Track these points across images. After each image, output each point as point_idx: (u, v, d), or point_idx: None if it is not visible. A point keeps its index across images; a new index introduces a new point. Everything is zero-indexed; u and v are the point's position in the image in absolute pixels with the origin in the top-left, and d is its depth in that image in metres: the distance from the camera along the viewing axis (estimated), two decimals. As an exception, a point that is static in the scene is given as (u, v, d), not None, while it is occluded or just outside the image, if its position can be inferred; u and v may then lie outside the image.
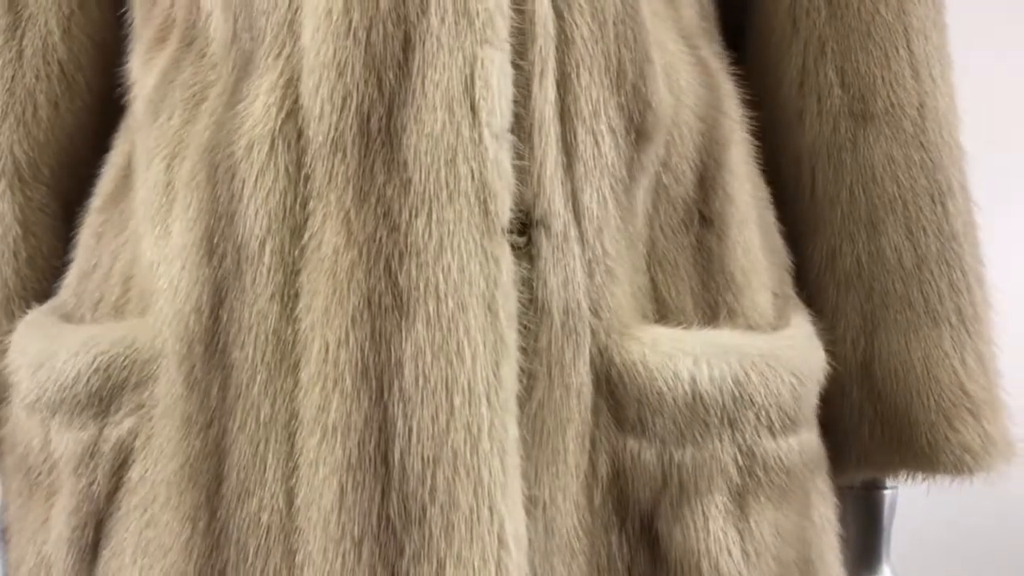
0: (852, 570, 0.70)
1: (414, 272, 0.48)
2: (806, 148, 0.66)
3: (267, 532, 0.49)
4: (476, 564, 0.47)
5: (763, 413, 0.55)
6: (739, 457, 0.54)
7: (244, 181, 0.51)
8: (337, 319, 0.48)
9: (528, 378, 0.51)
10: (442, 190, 0.48)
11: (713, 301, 0.57)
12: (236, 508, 0.50)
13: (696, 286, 0.57)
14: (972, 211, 0.67)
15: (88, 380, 0.54)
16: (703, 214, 0.58)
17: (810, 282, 0.67)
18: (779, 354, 0.56)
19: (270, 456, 0.50)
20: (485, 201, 0.49)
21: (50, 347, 0.57)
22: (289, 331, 0.50)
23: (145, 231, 0.55)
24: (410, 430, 0.48)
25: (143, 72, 0.59)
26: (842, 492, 0.71)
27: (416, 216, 0.48)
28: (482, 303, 0.49)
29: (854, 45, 0.64)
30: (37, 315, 0.61)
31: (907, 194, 0.64)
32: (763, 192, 0.64)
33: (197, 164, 0.53)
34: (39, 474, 0.57)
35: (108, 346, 0.55)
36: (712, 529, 0.54)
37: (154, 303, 0.54)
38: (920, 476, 0.69)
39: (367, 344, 0.48)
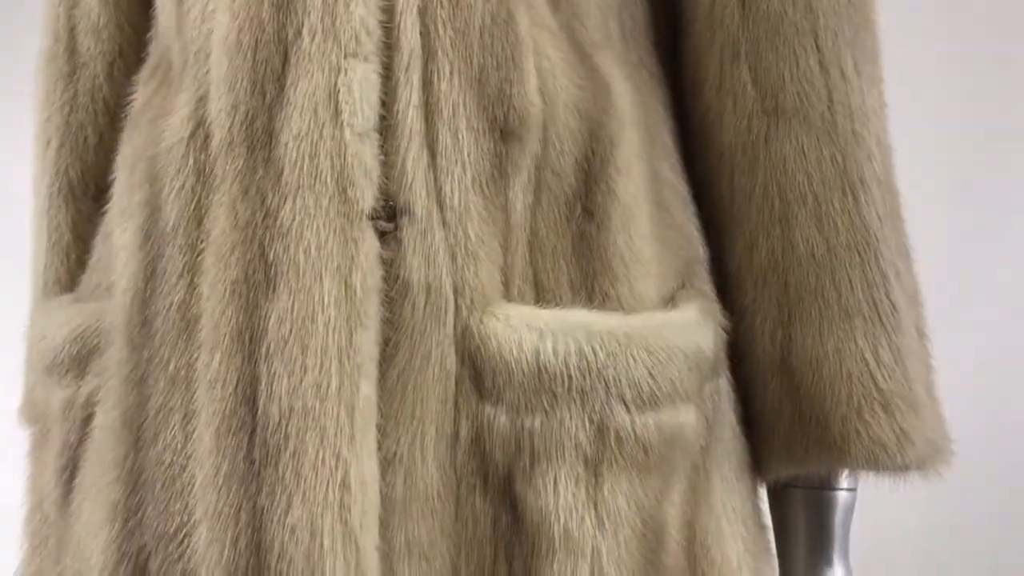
0: (803, 570, 0.70)
1: (280, 250, 0.57)
2: (725, 147, 0.68)
3: (169, 469, 0.59)
4: (319, 502, 0.54)
5: (614, 388, 0.58)
6: (589, 428, 0.58)
7: (165, 180, 0.62)
8: (220, 291, 0.58)
9: (392, 346, 0.58)
10: (305, 180, 0.57)
11: (590, 287, 0.62)
12: (150, 449, 0.60)
13: (575, 273, 0.62)
14: (893, 204, 0.67)
15: (68, 348, 0.67)
16: (586, 207, 0.63)
17: (731, 278, 0.69)
18: (632, 332, 0.59)
19: (175, 406, 0.59)
20: (345, 190, 0.57)
21: (49, 323, 0.70)
22: (192, 302, 0.60)
23: (115, 226, 0.67)
24: (271, 385, 0.56)
25: (139, 97, 0.72)
26: (793, 492, 0.72)
27: (284, 203, 0.57)
28: (337, 278, 0.56)
29: (764, 45, 0.66)
30: (57, 300, 0.74)
31: (817, 187, 0.65)
32: (669, 189, 0.67)
33: (140, 169, 0.64)
34: (44, 426, 0.70)
35: (82, 320, 0.67)
36: (564, 495, 0.58)
37: (116, 285, 0.66)
38: (869, 476, 0.69)
39: (242, 312, 0.57)
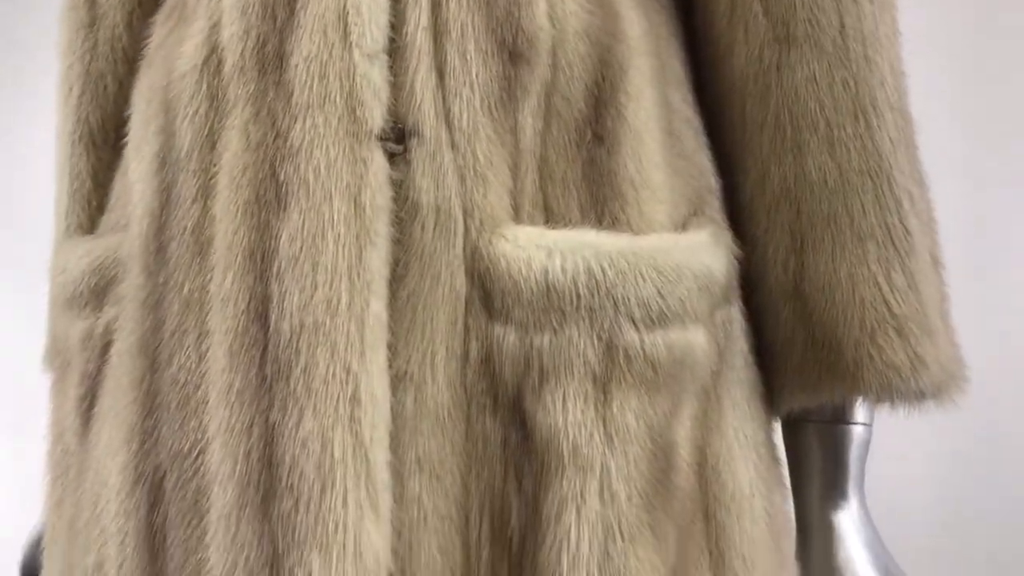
0: (818, 503, 0.70)
1: (290, 170, 0.57)
2: (737, 78, 0.68)
3: (183, 389, 0.60)
4: (330, 415, 0.55)
5: (623, 306, 0.59)
6: (597, 345, 0.58)
7: (179, 107, 0.63)
8: (232, 212, 0.58)
9: (402, 266, 0.59)
10: (314, 101, 0.57)
11: (600, 211, 0.62)
12: (165, 370, 0.61)
13: (584, 198, 0.62)
14: (906, 130, 0.66)
15: (87, 279, 0.68)
16: (596, 133, 0.63)
17: (743, 208, 0.69)
18: (641, 252, 0.60)
19: (189, 327, 0.60)
20: (354, 110, 0.57)
21: (69, 257, 0.71)
22: (205, 225, 0.61)
23: (132, 159, 0.68)
24: (282, 302, 0.56)
25: (155, 37, 0.73)
26: (807, 427, 0.71)
27: (294, 123, 0.58)
28: (347, 196, 0.57)
29: None
30: (79, 239, 0.76)
31: (829, 113, 0.65)
32: (680, 119, 0.67)
33: (156, 100, 0.65)
34: (64, 359, 0.71)
35: (101, 252, 0.69)
36: (572, 412, 0.58)
37: (132, 215, 0.67)
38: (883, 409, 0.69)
39: (253, 232, 0.58)
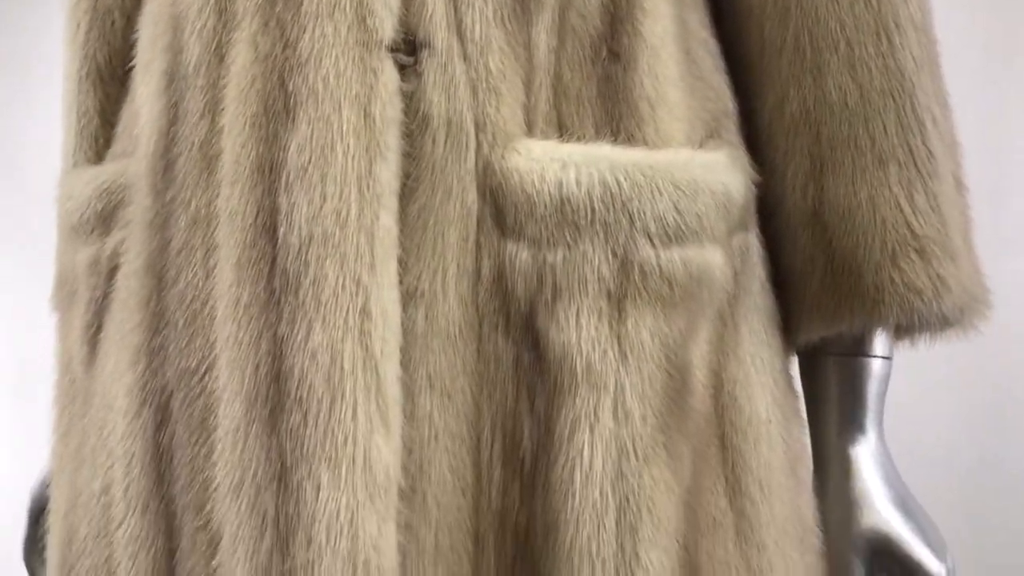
0: (835, 436, 0.69)
1: (299, 81, 0.56)
2: (755, 2, 0.67)
3: (190, 306, 0.59)
4: (339, 327, 0.54)
5: (639, 221, 0.57)
6: (612, 261, 0.57)
7: (186, 23, 0.61)
8: (240, 124, 0.57)
9: (412, 180, 0.57)
10: (324, 9, 0.56)
11: (615, 128, 0.60)
12: (172, 288, 0.60)
13: (599, 115, 0.61)
14: (930, 49, 0.65)
15: (93, 205, 0.67)
16: (612, 49, 0.61)
17: (761, 134, 0.67)
18: (657, 165, 0.58)
19: (196, 243, 0.59)
20: (364, 19, 0.56)
21: (75, 184, 0.70)
22: (213, 140, 0.59)
23: (139, 82, 0.67)
24: (291, 214, 0.55)
25: None
26: (826, 359, 0.70)
27: (303, 33, 0.56)
28: (356, 106, 0.56)
29: None
30: (84, 167, 0.75)
31: (850, 32, 0.63)
32: (697, 41, 0.66)
33: (163, 19, 0.64)
34: (70, 288, 0.71)
35: (107, 177, 0.68)
36: (586, 328, 0.57)
37: (139, 137, 0.65)
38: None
39: (262, 144, 0.57)
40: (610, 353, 0.57)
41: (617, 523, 0.57)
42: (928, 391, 1.48)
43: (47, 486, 0.81)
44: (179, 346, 0.59)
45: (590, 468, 0.56)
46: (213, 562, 0.57)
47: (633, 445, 0.57)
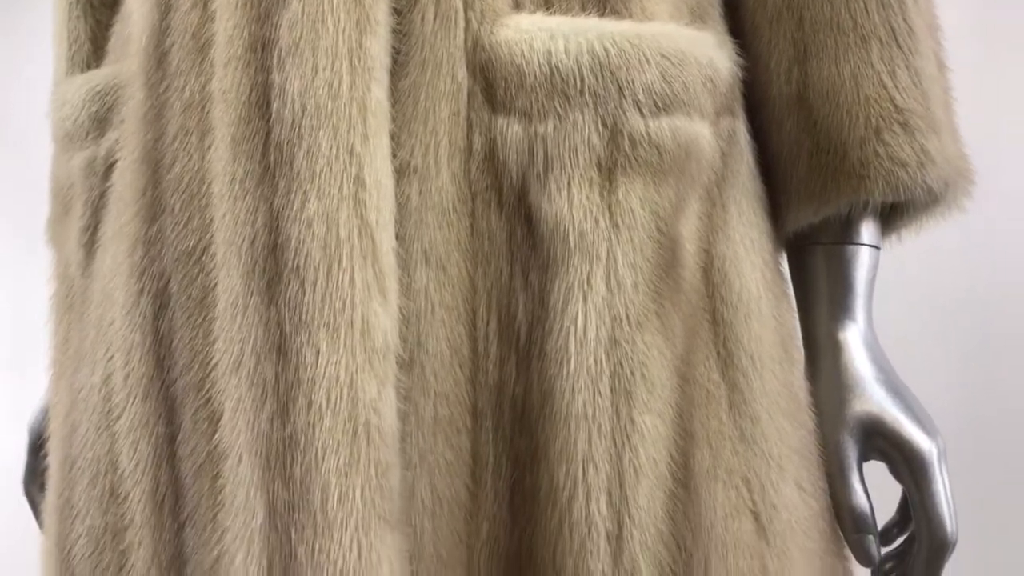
0: (826, 323, 0.70)
1: None
2: None
3: (187, 189, 0.60)
4: (334, 195, 0.55)
5: (628, 90, 0.58)
6: (602, 131, 0.58)
7: None
8: (232, 6, 0.58)
9: (402, 56, 0.58)
10: None
11: (601, 4, 0.61)
12: (167, 174, 0.61)
13: None
14: None
15: (87, 107, 0.68)
16: None
17: (744, 24, 0.68)
18: (644, 35, 0.59)
19: (191, 127, 0.60)
20: None
21: (68, 89, 0.71)
22: (205, 25, 0.60)
23: None
24: (283, 89, 0.56)
25: None
26: (814, 248, 0.71)
27: None
28: None
29: None
30: (77, 75, 0.75)
31: None
32: None
33: None
34: (66, 197, 0.71)
35: (101, 79, 0.68)
36: (578, 198, 0.58)
37: (132, 35, 0.66)
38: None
39: (254, 23, 0.57)
40: (602, 222, 0.58)
41: (612, 388, 0.57)
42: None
43: (46, 414, 0.81)
44: (176, 230, 0.60)
45: (584, 336, 0.57)
46: (214, 438, 0.57)
47: (626, 312, 0.58)
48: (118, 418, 0.62)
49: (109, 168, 0.66)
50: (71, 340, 0.69)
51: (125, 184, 0.63)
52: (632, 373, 0.58)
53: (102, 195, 0.67)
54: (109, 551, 0.62)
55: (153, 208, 0.61)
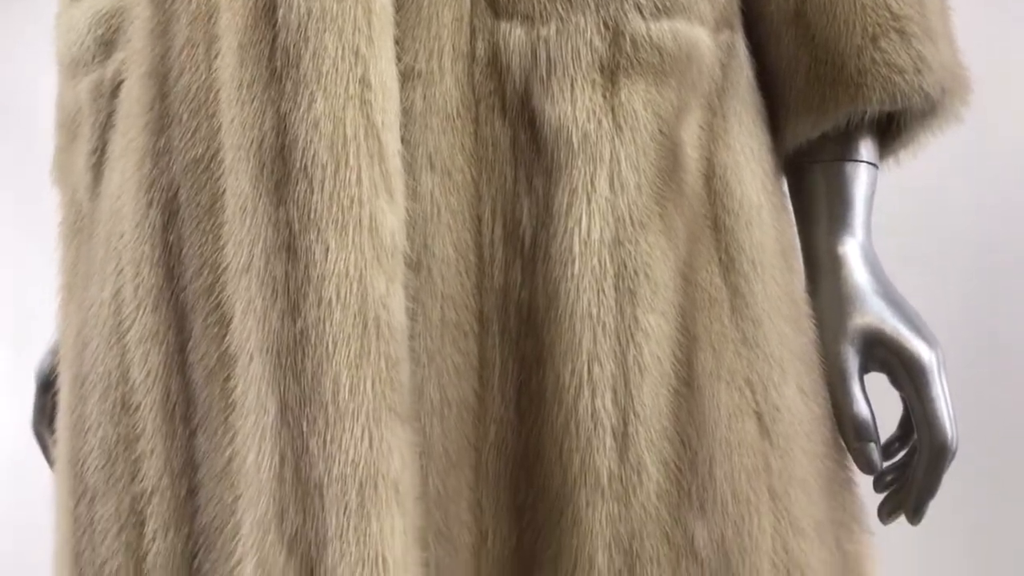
0: (825, 238, 0.71)
1: None
2: None
3: (194, 98, 0.60)
4: (340, 95, 0.55)
5: None
6: (604, 32, 0.59)
7: None
8: None
9: None
10: None
11: None
12: (175, 85, 0.61)
13: None
14: None
15: (93, 31, 0.69)
16: None
17: None
18: None
19: (198, 39, 0.61)
20: None
21: (73, 14, 0.72)
22: None
23: None
24: None
25: None
26: (813, 167, 0.72)
27: None
28: None
29: None
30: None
31: None
32: None
33: None
34: (72, 123, 0.72)
35: (106, 3, 0.69)
36: (581, 99, 0.59)
37: None
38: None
39: None
40: (605, 123, 0.59)
41: (616, 288, 0.58)
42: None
43: (55, 354, 0.82)
44: (184, 140, 0.60)
45: (588, 236, 0.58)
46: (225, 341, 0.58)
47: (629, 213, 0.59)
48: (128, 330, 0.63)
49: (116, 88, 0.67)
50: (80, 263, 0.70)
51: (132, 100, 0.64)
52: (636, 273, 0.59)
53: (109, 115, 0.67)
54: (122, 461, 0.63)
55: (161, 120, 0.62)
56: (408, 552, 0.54)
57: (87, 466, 0.65)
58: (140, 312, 0.62)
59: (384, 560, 0.52)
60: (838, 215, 0.70)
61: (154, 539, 0.61)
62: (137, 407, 0.62)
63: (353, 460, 0.53)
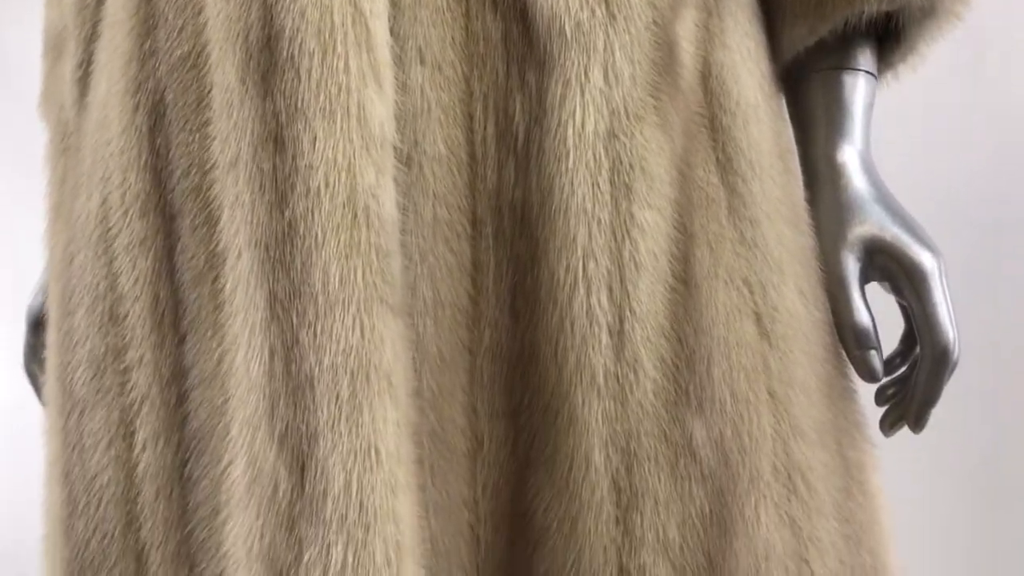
0: (824, 147, 0.70)
1: None
2: None
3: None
4: None
5: None
6: None
7: None
8: None
9: None
10: None
11: None
12: None
13: None
14: None
15: None
16: None
17: None
18: None
19: None
20: None
21: None
22: None
23: None
24: None
25: None
26: (812, 76, 0.71)
27: None
28: None
29: None
30: None
31: None
32: None
33: None
34: (57, 41, 0.71)
35: None
36: None
37: None
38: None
39: None
40: (598, 12, 0.57)
41: (611, 182, 0.57)
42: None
43: (45, 292, 0.81)
44: (170, 40, 0.59)
45: (582, 129, 0.57)
46: (213, 240, 0.57)
47: (624, 106, 0.58)
48: (116, 238, 0.62)
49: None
50: (68, 179, 0.69)
51: (118, 7, 0.63)
52: (631, 167, 0.57)
53: (95, 26, 0.66)
54: (110, 373, 0.62)
55: (147, 23, 0.61)
56: (401, 445, 0.53)
57: (76, 380, 0.64)
58: (127, 219, 0.61)
59: (377, 451, 0.51)
60: (837, 124, 0.69)
61: (144, 449, 0.60)
62: (125, 316, 0.61)
63: (344, 350, 0.52)
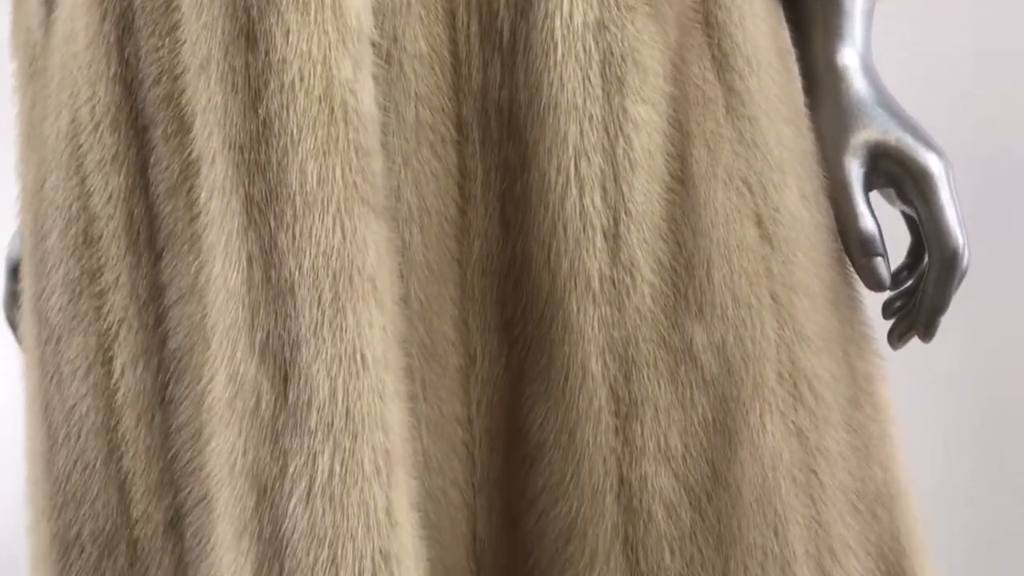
0: (823, 51, 0.67)
1: None
2: None
3: None
4: None
5: None
6: None
7: None
8: None
9: None
10: None
11: None
12: None
13: None
14: None
15: None
16: None
17: None
18: None
19: None
20: None
21: None
22: None
23: None
24: None
25: None
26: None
27: None
28: None
29: None
30: None
31: None
32: None
33: None
34: None
35: None
36: None
37: None
38: None
39: None
40: None
41: (602, 75, 0.55)
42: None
43: (21, 237, 0.79)
44: None
45: (571, 20, 0.54)
46: (186, 149, 0.55)
47: None
48: (87, 155, 0.59)
49: None
50: (37, 104, 0.66)
51: None
52: (623, 59, 0.55)
53: None
54: (86, 297, 0.59)
55: None
56: (389, 351, 0.50)
57: (51, 307, 0.61)
58: (98, 135, 0.58)
59: (363, 356, 0.49)
60: (836, 25, 0.66)
61: (123, 375, 0.58)
62: (99, 237, 0.59)
63: (324, 251, 0.49)
